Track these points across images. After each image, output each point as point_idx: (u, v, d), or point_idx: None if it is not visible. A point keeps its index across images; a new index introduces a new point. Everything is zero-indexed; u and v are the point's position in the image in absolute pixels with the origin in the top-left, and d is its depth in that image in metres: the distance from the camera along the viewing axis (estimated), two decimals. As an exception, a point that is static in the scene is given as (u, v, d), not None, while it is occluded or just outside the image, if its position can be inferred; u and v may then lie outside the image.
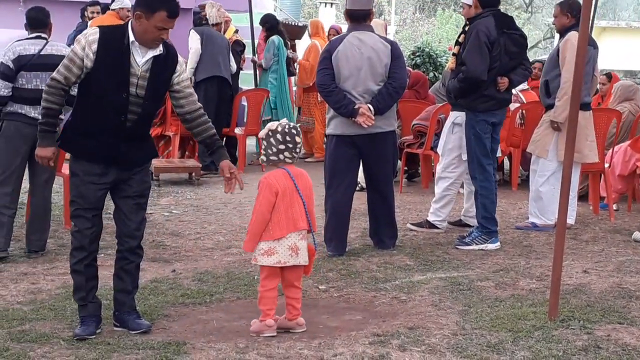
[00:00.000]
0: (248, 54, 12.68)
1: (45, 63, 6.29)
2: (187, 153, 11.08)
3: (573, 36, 7.12)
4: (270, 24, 11.89)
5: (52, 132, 4.79)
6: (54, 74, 4.64)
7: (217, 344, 4.60)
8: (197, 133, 4.92)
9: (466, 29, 7.18)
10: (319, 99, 11.83)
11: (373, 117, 6.50)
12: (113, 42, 4.55)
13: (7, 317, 5.00)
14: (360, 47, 6.57)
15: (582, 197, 8.91)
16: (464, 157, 7.28)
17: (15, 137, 6.34)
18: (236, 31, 12.10)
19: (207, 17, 10.75)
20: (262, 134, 4.88)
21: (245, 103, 11.53)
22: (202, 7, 10.84)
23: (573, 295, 5.56)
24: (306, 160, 12.23)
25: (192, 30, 10.64)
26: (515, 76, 7.07)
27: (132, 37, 4.54)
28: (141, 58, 4.60)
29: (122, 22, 11.03)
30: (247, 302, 5.40)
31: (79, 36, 4.63)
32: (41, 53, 6.36)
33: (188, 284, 5.79)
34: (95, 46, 4.51)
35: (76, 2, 12.48)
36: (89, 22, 11.41)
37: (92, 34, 4.54)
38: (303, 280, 5.86)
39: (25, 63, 6.28)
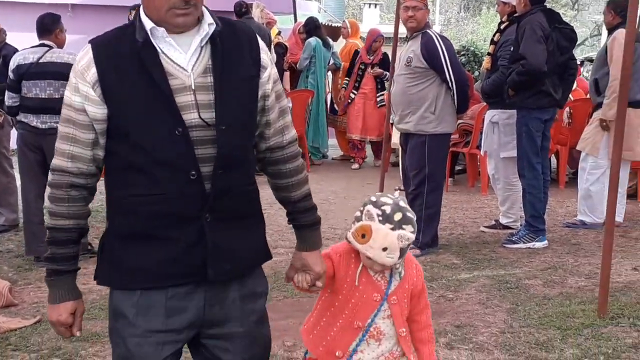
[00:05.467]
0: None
1: (43, 71, 6.32)
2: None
3: (620, 34, 7.04)
4: (309, 27, 11.86)
5: (63, 273, 2.51)
6: (52, 162, 2.46)
7: (265, 342, 4.61)
8: (277, 187, 2.74)
9: (502, 27, 7.19)
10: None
11: None
12: (119, 49, 2.38)
13: (59, 316, 5.08)
14: None
15: (632, 195, 8.80)
16: (502, 154, 7.28)
17: (23, 145, 6.44)
18: (279, 33, 12.14)
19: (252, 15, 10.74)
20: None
21: (290, 104, 11.55)
22: (242, 3, 10.76)
23: (622, 293, 5.50)
24: (351, 161, 12.21)
25: None
26: (566, 93, 7.13)
27: (148, 25, 2.37)
28: (182, 53, 2.40)
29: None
30: (294, 301, 5.42)
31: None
32: (40, 61, 6.34)
33: (236, 284, 5.82)
34: (92, 72, 2.36)
35: (126, 6, 12.37)
36: None
37: (81, 57, 2.40)
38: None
39: (23, 72, 6.32)
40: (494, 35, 7.37)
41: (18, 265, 6.34)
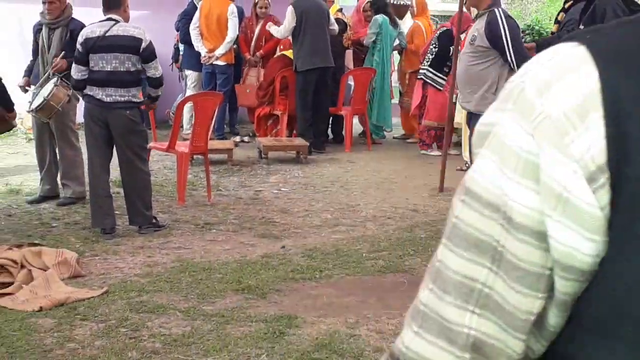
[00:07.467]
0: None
1: (110, 44, 6.38)
2: (294, 132, 11.12)
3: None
4: (377, 5, 11.76)
5: None
6: (398, 344, 0.99)
7: (328, 319, 4.65)
8: None
9: (566, 6, 7.05)
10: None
11: None
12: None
13: (126, 288, 5.19)
14: None
15: None
16: None
17: (88, 119, 6.51)
18: (340, 10, 12.06)
19: None
20: None
21: (351, 82, 11.53)
22: None
23: None
24: (407, 141, 12.16)
25: (291, 6, 10.45)
26: None
27: None
28: None
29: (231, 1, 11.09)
30: (356, 279, 5.44)
31: None
32: (106, 35, 6.39)
33: (297, 260, 5.87)
34: (597, 129, 0.83)
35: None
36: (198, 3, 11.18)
37: (548, 82, 0.93)
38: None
39: (91, 45, 6.37)
40: (558, 14, 7.23)
41: (85, 237, 6.46)
